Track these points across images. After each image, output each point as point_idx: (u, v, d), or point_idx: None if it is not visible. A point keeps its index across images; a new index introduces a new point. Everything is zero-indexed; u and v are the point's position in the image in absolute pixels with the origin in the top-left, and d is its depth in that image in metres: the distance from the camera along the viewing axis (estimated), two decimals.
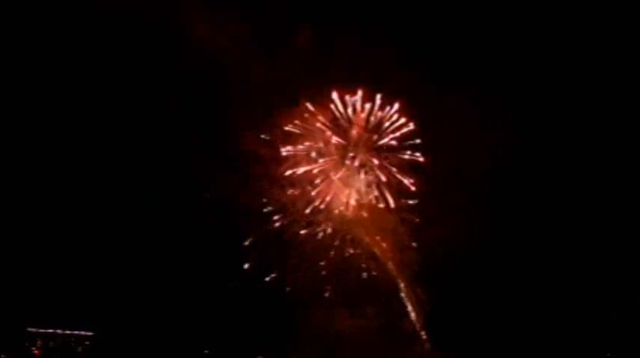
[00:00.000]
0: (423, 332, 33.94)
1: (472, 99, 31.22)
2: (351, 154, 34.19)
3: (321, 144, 33.96)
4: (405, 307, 34.06)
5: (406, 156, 33.55)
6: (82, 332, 35.88)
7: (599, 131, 33.14)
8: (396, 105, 33.27)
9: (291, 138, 33.79)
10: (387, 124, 33.74)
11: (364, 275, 34.09)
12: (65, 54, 33.56)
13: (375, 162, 33.88)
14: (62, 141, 34.52)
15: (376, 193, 34.16)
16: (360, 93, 33.32)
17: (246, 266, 33.21)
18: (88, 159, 34.65)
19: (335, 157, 34.30)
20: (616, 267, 32.94)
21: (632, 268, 32.71)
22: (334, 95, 33.10)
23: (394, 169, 33.83)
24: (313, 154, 33.85)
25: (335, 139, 33.82)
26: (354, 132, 33.79)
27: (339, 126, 33.97)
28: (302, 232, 33.74)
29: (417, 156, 33.45)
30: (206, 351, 36.28)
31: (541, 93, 33.57)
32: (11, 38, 33.20)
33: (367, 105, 33.54)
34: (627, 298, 32.86)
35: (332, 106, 33.48)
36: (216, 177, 32.60)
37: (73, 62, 33.63)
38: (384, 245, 34.08)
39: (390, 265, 34.01)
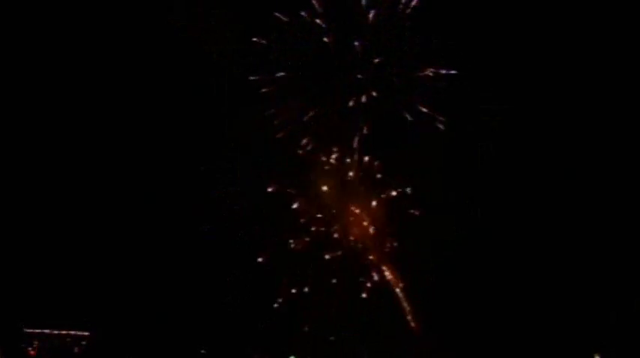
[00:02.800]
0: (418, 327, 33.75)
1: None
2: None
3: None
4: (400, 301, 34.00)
5: None
6: (79, 332, 35.61)
7: (600, 129, 32.95)
8: None
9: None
10: None
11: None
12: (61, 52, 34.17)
13: None
14: (58, 140, 34.83)
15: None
16: None
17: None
18: (81, 157, 35.01)
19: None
20: (616, 267, 32.75)
21: (632, 268, 32.50)
22: None
23: None
24: None
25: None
26: None
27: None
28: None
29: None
30: (203, 351, 35.83)
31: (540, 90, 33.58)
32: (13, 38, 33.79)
33: None
34: (627, 298, 32.50)
35: None
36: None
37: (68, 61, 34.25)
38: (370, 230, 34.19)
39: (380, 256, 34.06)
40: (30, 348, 35.00)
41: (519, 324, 32.84)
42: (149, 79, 34.00)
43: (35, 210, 34.56)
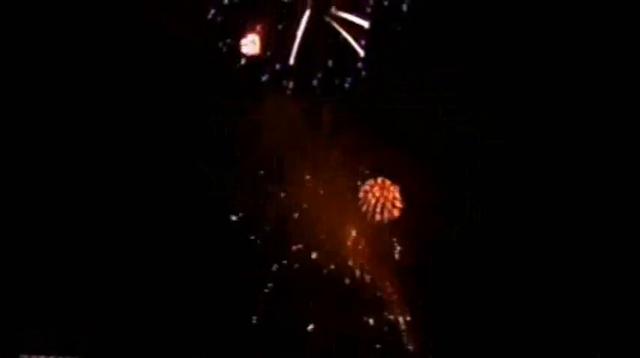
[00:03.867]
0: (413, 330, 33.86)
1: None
2: None
3: None
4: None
5: None
6: None
7: (600, 128, 32.64)
8: None
9: None
10: None
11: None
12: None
13: None
14: (41, 142, 33.69)
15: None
16: None
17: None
18: (77, 167, 34.10)
19: None
20: (616, 267, 32.66)
21: (631, 268, 32.42)
22: None
23: None
24: None
25: None
26: None
27: None
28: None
29: None
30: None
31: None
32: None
33: None
34: (627, 298, 32.48)
35: None
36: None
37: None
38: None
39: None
40: None
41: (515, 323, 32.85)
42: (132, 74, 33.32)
43: (35, 222, 33.68)
